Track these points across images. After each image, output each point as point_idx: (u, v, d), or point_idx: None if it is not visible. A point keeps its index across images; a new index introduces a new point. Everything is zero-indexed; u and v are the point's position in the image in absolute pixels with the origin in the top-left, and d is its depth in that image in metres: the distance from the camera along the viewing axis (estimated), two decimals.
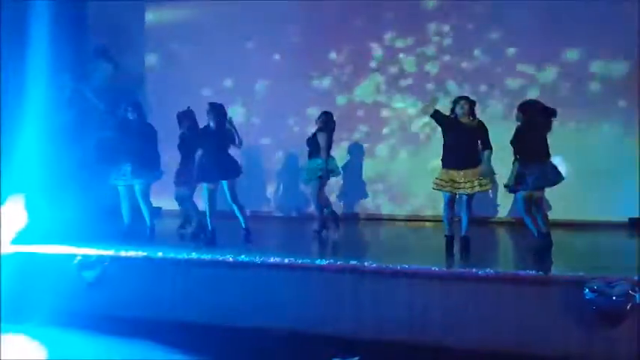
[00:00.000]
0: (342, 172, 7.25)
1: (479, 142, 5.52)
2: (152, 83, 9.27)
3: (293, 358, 4.57)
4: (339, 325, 4.79)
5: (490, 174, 5.61)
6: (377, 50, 8.52)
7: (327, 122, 6.85)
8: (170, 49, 9.24)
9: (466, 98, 5.59)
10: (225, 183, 6.13)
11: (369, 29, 8.52)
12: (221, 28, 9.01)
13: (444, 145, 5.61)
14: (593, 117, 7.66)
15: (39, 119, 7.86)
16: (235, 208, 6.18)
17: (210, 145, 6.09)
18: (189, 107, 7.03)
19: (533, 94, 7.50)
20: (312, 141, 6.85)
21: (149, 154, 6.50)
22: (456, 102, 5.58)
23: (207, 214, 6.13)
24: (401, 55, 8.43)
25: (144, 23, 9.41)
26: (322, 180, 6.81)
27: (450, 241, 5.66)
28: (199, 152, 6.17)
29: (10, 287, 5.60)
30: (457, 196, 5.59)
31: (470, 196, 5.54)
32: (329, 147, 6.82)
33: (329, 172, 6.81)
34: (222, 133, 6.12)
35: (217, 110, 6.16)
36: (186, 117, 6.94)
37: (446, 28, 8.24)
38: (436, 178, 5.62)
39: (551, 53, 7.81)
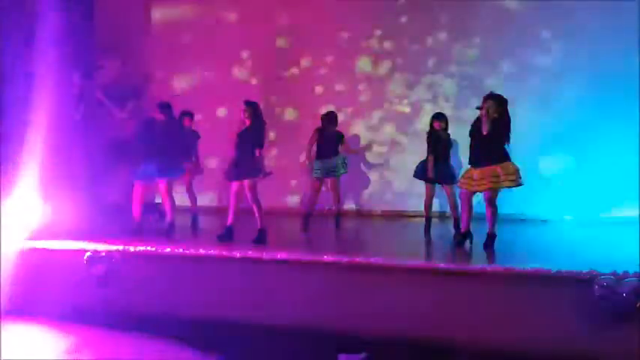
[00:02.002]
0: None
1: (500, 138, 5.49)
2: (158, 81, 9.26)
3: (298, 354, 4.57)
4: (345, 321, 4.78)
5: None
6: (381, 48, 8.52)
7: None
8: (176, 47, 9.24)
9: (492, 97, 5.52)
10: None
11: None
12: (227, 25, 9.02)
13: (469, 145, 5.67)
14: (600, 111, 7.61)
15: (48, 117, 7.96)
16: (254, 207, 6.10)
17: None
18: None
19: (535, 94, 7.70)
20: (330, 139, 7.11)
21: (174, 152, 6.54)
22: (484, 101, 5.53)
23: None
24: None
25: (150, 21, 9.41)
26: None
27: (464, 237, 5.71)
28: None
29: (19, 283, 5.64)
30: (472, 194, 5.63)
31: (488, 193, 5.53)
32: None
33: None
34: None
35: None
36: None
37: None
38: (461, 177, 5.76)
39: (553, 53, 7.76)
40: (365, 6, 8.43)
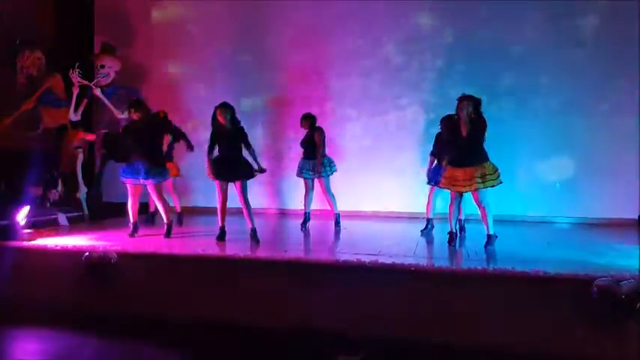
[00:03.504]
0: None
1: (480, 139, 5.59)
2: (157, 80, 9.25)
3: (297, 355, 4.56)
4: (344, 322, 4.78)
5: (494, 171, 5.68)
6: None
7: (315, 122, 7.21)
8: (175, 46, 9.23)
9: (469, 98, 5.61)
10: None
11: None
12: (226, 25, 9.02)
13: (448, 144, 5.74)
14: (599, 115, 7.60)
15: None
16: (243, 208, 6.19)
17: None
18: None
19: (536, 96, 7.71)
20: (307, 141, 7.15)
21: (160, 151, 6.52)
22: (459, 101, 5.63)
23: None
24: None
25: (150, 20, 9.40)
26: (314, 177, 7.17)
27: (452, 237, 5.80)
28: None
29: (15, 283, 5.63)
30: (461, 194, 5.76)
31: (477, 194, 5.60)
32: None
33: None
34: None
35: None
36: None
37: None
38: (441, 177, 5.86)
39: (555, 54, 7.76)
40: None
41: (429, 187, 6.84)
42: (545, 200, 7.71)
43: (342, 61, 8.57)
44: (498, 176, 5.63)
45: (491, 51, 7.98)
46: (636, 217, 7.32)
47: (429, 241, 6.45)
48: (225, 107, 6.14)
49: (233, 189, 6.21)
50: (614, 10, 7.48)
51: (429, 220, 6.83)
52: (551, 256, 5.42)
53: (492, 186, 5.62)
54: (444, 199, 6.88)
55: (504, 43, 7.94)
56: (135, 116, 6.39)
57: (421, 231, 6.77)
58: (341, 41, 8.56)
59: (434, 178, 6.64)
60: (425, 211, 6.87)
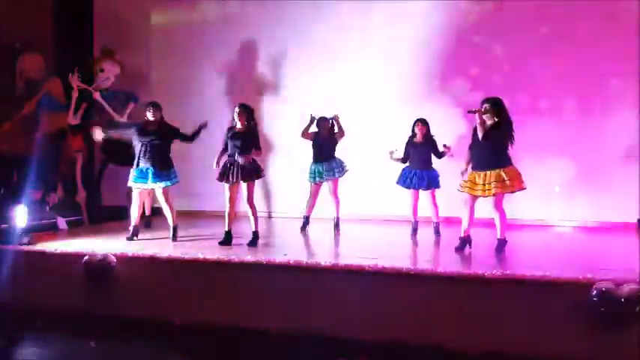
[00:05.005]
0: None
1: (499, 142, 5.45)
2: (157, 84, 9.25)
3: (298, 358, 4.56)
4: (345, 325, 4.78)
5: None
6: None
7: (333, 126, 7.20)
8: (175, 50, 9.23)
9: (486, 101, 5.50)
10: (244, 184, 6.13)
11: None
12: (226, 28, 9.03)
13: (470, 148, 5.65)
14: (598, 117, 7.60)
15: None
16: (249, 210, 6.18)
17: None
18: None
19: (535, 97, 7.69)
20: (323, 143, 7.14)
21: (169, 156, 6.49)
22: (480, 105, 5.52)
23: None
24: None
25: (149, 24, 9.40)
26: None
27: (462, 243, 5.67)
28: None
29: (16, 286, 5.63)
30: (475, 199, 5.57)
31: (494, 198, 5.49)
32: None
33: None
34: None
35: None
36: None
37: None
38: (462, 180, 5.69)
39: (554, 54, 7.76)
40: None
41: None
42: (544, 203, 7.69)
43: (343, 62, 8.57)
44: (520, 182, 5.42)
45: (489, 51, 7.99)
46: (636, 221, 7.31)
47: (429, 245, 6.44)
48: (241, 107, 6.16)
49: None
50: (613, 9, 7.47)
51: (415, 223, 6.85)
52: (550, 259, 5.41)
53: (511, 192, 5.46)
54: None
55: (503, 42, 7.94)
56: (151, 117, 6.37)
57: (413, 231, 6.82)
58: (341, 40, 8.56)
59: (399, 180, 6.74)
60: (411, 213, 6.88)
